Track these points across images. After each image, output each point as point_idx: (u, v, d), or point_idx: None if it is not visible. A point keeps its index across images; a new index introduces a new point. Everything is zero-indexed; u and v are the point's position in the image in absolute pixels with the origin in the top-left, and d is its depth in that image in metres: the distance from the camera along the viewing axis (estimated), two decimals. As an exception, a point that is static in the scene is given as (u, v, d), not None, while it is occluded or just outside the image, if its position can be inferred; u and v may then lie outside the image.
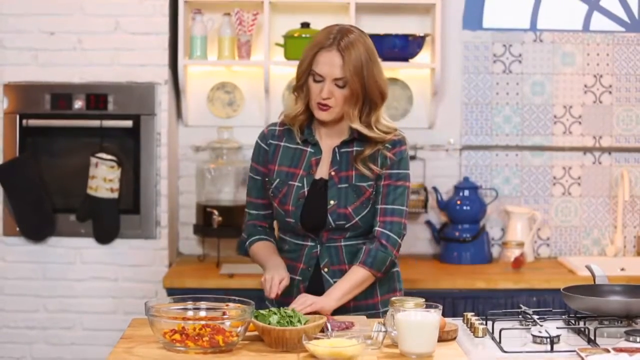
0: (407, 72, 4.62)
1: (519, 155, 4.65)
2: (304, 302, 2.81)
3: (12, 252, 4.39)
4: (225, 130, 4.52)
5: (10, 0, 4.32)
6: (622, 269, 4.47)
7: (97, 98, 4.34)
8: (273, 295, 2.88)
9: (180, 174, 4.60)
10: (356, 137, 2.99)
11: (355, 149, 2.99)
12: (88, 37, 4.33)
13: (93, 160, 4.30)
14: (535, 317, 2.76)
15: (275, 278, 2.89)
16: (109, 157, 4.31)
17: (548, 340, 2.55)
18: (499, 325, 2.69)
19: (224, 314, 2.64)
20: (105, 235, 4.36)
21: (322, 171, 3.00)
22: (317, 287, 2.96)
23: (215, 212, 4.32)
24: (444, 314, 2.66)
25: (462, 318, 2.82)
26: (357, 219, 2.96)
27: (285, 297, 2.91)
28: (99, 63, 4.34)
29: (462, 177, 4.62)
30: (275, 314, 2.61)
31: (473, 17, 4.63)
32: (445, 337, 2.63)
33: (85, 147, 4.34)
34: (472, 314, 2.78)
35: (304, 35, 4.38)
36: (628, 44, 4.65)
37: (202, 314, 2.68)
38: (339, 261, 2.99)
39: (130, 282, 4.37)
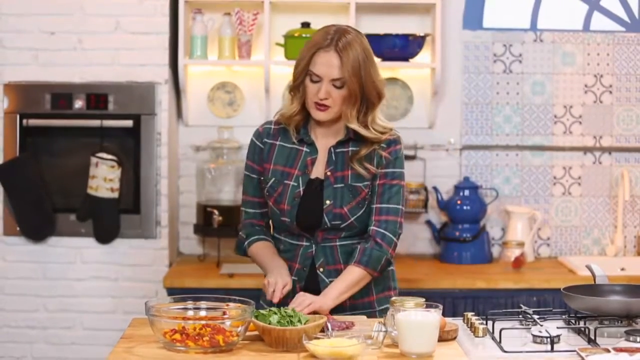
0: (407, 72, 4.62)
1: (519, 155, 4.65)
2: (302, 301, 2.81)
3: (12, 252, 4.39)
4: (225, 130, 4.52)
5: (10, 0, 4.32)
6: (623, 269, 4.47)
7: (97, 98, 4.34)
8: (276, 300, 2.86)
9: (180, 174, 4.60)
10: (352, 137, 2.98)
11: (351, 149, 2.99)
12: (88, 37, 4.33)
13: (93, 160, 4.30)
14: (536, 317, 2.76)
15: (279, 283, 2.88)
16: (109, 156, 4.31)
17: (548, 340, 2.55)
18: (499, 325, 2.69)
19: (224, 313, 2.64)
20: (105, 235, 4.36)
21: (318, 171, 3.00)
22: (313, 287, 2.96)
23: (216, 211, 4.32)
24: (444, 314, 2.66)
25: (462, 318, 2.82)
26: (352, 219, 2.96)
27: (284, 298, 2.91)
28: (99, 63, 4.34)
29: (462, 177, 4.62)
30: (275, 313, 2.61)
31: (473, 17, 4.63)
32: (445, 337, 2.63)
33: (86, 146, 4.34)
34: (472, 313, 2.78)
35: (304, 35, 4.38)
36: (628, 43, 4.65)
37: (203, 313, 2.68)
38: (335, 261, 2.99)
39: (130, 281, 4.37)
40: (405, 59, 4.46)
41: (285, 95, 4.55)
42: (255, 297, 2.81)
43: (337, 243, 3.00)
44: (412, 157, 4.51)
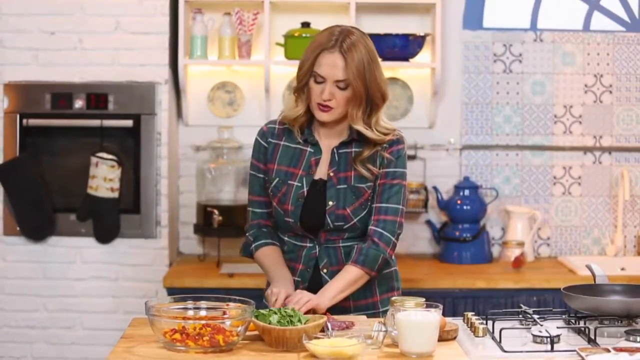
0: (408, 72, 4.62)
1: (519, 155, 4.65)
2: (300, 299, 2.81)
3: (12, 252, 4.39)
4: (225, 129, 4.52)
5: (10, 0, 4.32)
6: (623, 269, 4.47)
7: (97, 98, 4.35)
8: None
9: (180, 174, 4.60)
10: (355, 138, 2.98)
11: (354, 149, 2.98)
12: (88, 36, 4.33)
13: (93, 159, 4.30)
14: (536, 316, 2.76)
15: (282, 293, 2.86)
16: (110, 156, 4.31)
17: (548, 339, 2.55)
18: (499, 324, 2.69)
19: (224, 313, 2.64)
20: (105, 234, 4.36)
21: (321, 171, 3.00)
22: (317, 288, 2.94)
23: (216, 211, 4.32)
24: (444, 314, 2.66)
25: (462, 318, 2.82)
26: (355, 220, 2.96)
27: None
28: (99, 63, 4.34)
29: (462, 176, 4.62)
30: (275, 313, 2.61)
31: (473, 17, 4.63)
32: (445, 336, 2.63)
33: (86, 146, 4.34)
34: (473, 313, 2.78)
35: (304, 35, 4.38)
36: (628, 43, 4.65)
37: (203, 313, 2.68)
38: (338, 262, 2.98)
39: (130, 281, 4.37)
40: (405, 58, 4.46)
41: (285, 95, 4.55)
42: (255, 297, 2.80)
43: (341, 244, 3.00)
44: (412, 157, 4.51)
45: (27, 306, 4.38)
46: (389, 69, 4.52)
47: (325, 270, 2.99)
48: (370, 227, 2.96)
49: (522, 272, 4.27)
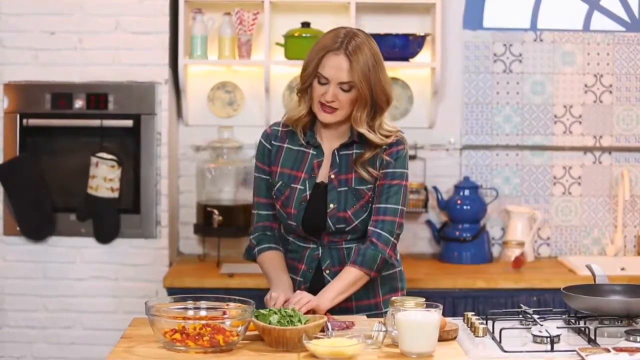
0: (408, 72, 4.62)
1: (519, 155, 4.65)
2: (300, 299, 2.81)
3: (12, 252, 4.39)
4: (225, 129, 4.52)
5: (10, 0, 4.32)
6: (623, 269, 4.47)
7: (97, 97, 4.34)
8: None
9: (180, 174, 4.60)
10: (356, 140, 2.98)
11: (355, 151, 2.98)
12: (88, 36, 4.33)
13: (93, 159, 4.30)
14: (536, 316, 2.76)
15: (281, 298, 2.86)
16: (110, 156, 4.31)
17: (548, 339, 2.55)
18: (499, 324, 2.69)
19: (224, 313, 2.64)
20: (105, 234, 4.36)
21: (323, 174, 3.00)
22: (318, 289, 2.94)
23: (216, 211, 4.32)
24: (444, 314, 2.66)
25: (462, 317, 2.82)
26: (356, 222, 2.96)
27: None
28: (100, 62, 4.34)
29: (462, 176, 4.62)
30: (275, 313, 2.62)
31: (473, 17, 4.63)
32: (445, 336, 2.63)
33: (86, 146, 4.34)
34: (473, 313, 2.78)
35: (304, 35, 4.38)
36: (628, 43, 4.65)
37: (203, 313, 2.68)
38: (341, 263, 2.98)
39: (130, 281, 4.37)
40: (406, 58, 4.46)
41: (285, 95, 4.55)
42: (255, 297, 2.80)
43: (344, 246, 2.99)
44: (412, 157, 4.51)
45: (27, 306, 4.38)
46: (389, 69, 4.43)
47: (327, 271, 2.99)
48: (369, 227, 2.95)
49: (522, 272, 4.27)
